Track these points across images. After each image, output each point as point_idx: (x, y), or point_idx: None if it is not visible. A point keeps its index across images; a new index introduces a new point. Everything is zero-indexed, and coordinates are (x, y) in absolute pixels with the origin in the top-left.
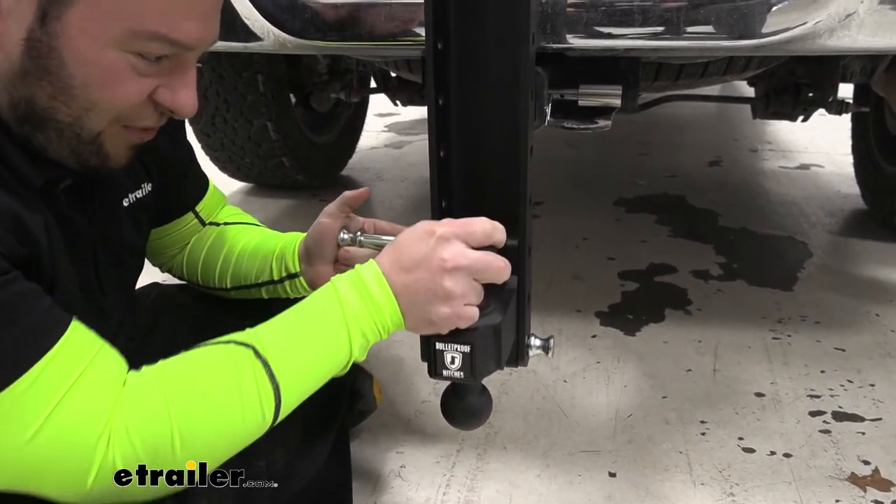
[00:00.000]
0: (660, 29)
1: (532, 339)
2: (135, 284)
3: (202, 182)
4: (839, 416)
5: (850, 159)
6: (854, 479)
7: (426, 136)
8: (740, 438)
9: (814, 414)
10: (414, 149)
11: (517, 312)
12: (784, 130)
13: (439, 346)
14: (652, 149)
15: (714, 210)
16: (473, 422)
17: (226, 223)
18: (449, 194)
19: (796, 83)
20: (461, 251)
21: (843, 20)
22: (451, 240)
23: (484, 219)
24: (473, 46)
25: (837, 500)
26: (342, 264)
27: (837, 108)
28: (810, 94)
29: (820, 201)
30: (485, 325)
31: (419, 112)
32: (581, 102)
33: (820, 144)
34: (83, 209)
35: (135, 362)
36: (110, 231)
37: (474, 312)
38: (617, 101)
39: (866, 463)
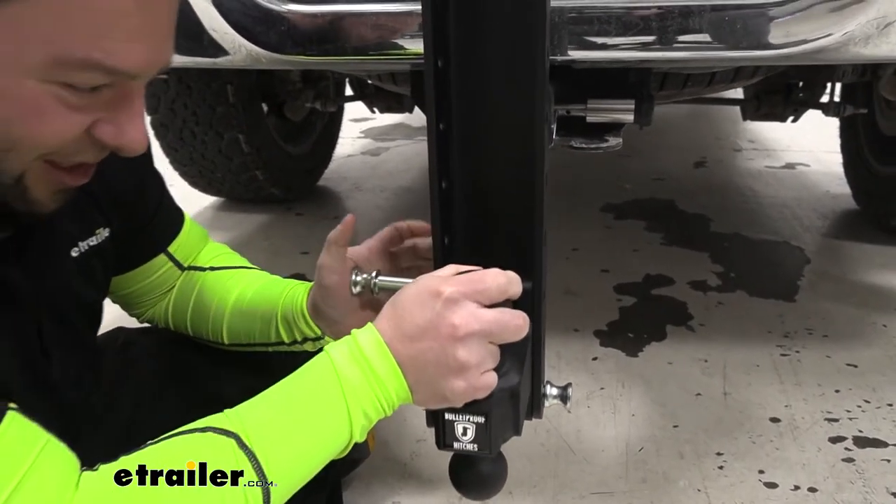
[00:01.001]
0: (676, 39)
1: (548, 387)
2: (92, 343)
3: (175, 219)
4: (861, 442)
5: (835, 157)
6: None
7: (404, 141)
8: (761, 472)
9: (834, 440)
10: (392, 156)
11: (532, 362)
12: (766, 128)
13: (449, 416)
14: (635, 150)
15: (705, 214)
16: (488, 492)
17: (210, 268)
18: (451, 231)
19: (787, 84)
20: (473, 314)
21: (881, 28)
22: (461, 301)
23: (496, 271)
24: (478, 63)
25: None
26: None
27: (835, 109)
28: (801, 95)
29: (811, 203)
30: (501, 390)
31: (395, 117)
32: (589, 118)
33: (802, 142)
34: (20, 264)
35: (99, 430)
36: (55, 287)
37: (492, 380)
38: (629, 117)
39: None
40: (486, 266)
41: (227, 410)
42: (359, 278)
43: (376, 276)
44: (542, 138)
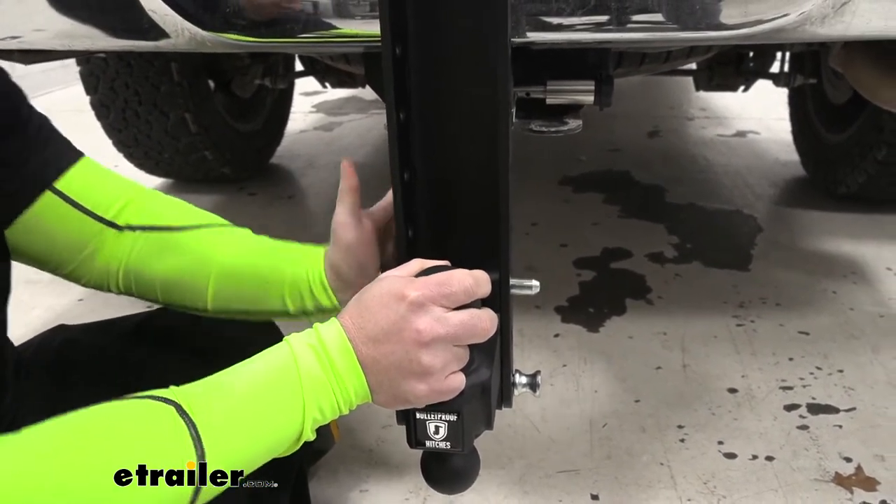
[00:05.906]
0: (633, 20)
1: (517, 376)
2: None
3: (60, 148)
4: (814, 409)
5: (784, 124)
6: (839, 479)
7: (357, 116)
8: (720, 443)
9: (789, 408)
10: (346, 130)
11: (501, 352)
12: (716, 96)
13: (420, 415)
14: (587, 120)
15: (660, 185)
16: (461, 486)
17: (182, 227)
18: (415, 223)
19: (738, 54)
20: (438, 319)
21: (837, 8)
22: (426, 305)
23: (463, 272)
24: (437, 50)
25: None
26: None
27: (785, 79)
28: (751, 65)
29: (762, 171)
30: (472, 386)
31: (348, 90)
32: (549, 101)
33: (752, 110)
34: None
35: None
36: None
37: (458, 383)
38: (589, 98)
39: (848, 460)
40: (451, 259)
41: (172, 387)
42: None
43: None
44: (505, 124)
